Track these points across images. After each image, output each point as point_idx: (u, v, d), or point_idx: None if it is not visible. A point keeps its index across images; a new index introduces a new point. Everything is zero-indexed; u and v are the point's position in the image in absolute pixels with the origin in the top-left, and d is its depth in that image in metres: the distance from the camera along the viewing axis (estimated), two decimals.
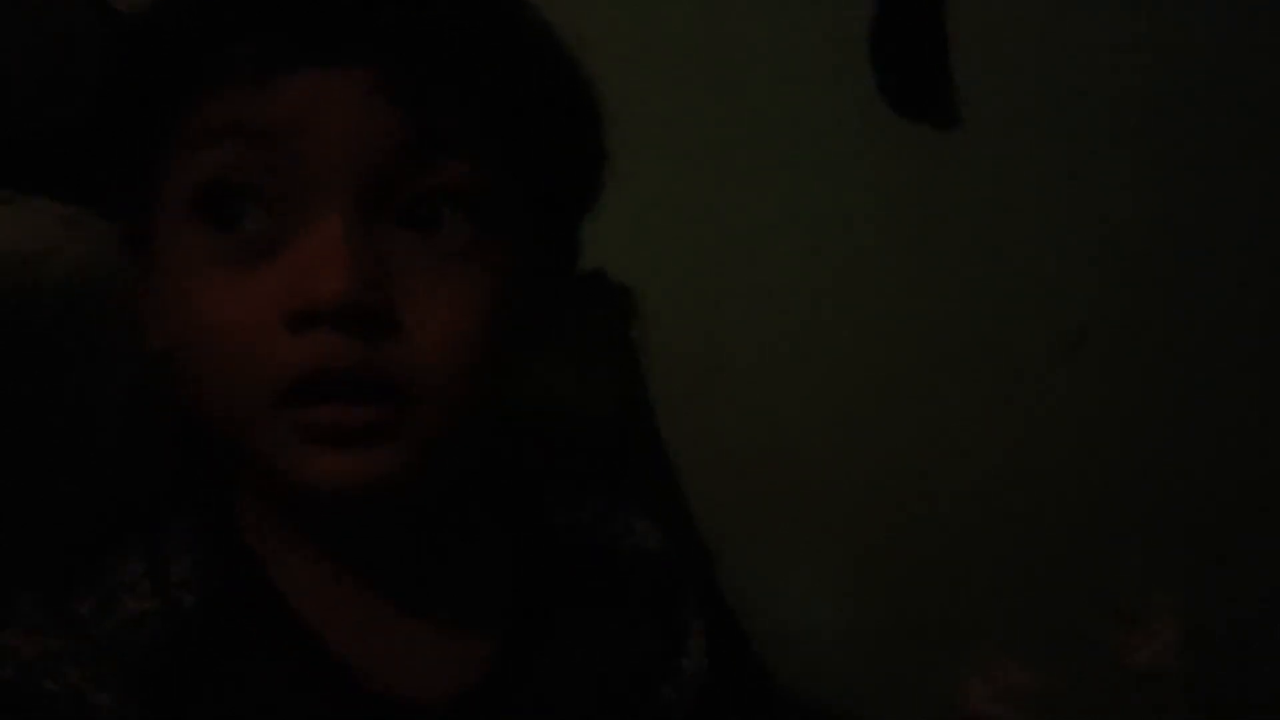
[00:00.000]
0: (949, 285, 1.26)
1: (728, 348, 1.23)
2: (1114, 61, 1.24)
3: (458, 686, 0.53)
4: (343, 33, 0.47)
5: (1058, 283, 1.28)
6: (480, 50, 0.50)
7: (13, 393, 0.67)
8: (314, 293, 0.46)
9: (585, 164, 0.56)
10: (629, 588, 0.59)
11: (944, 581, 1.26)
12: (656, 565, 0.61)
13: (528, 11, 0.54)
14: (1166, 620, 1.24)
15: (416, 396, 0.48)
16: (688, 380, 1.19)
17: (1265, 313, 1.29)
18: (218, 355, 0.48)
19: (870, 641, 1.25)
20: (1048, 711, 1.18)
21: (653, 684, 0.58)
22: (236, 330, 0.47)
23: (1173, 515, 1.28)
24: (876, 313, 1.25)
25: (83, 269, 0.76)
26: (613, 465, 1.02)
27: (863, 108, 1.21)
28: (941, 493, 1.26)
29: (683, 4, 1.20)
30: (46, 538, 0.67)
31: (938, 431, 1.26)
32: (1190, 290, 1.28)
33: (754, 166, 1.22)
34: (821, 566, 1.23)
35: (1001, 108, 1.22)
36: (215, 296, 0.48)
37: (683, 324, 1.18)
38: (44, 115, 0.89)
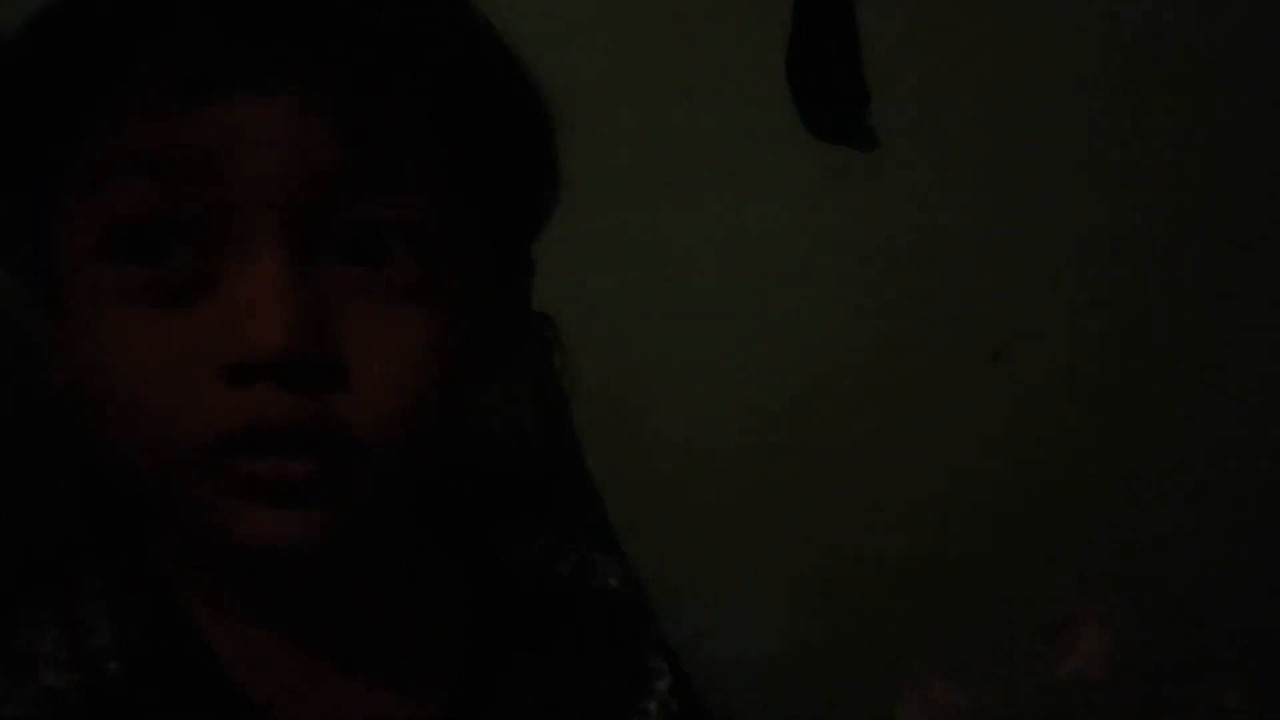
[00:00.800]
0: (872, 297, 1.26)
1: (654, 374, 1.22)
2: (1044, 68, 1.25)
3: None
4: (268, 50, 0.42)
5: (983, 298, 1.28)
6: (424, 65, 0.45)
7: None
8: (250, 344, 0.41)
9: (539, 181, 0.51)
10: (587, 628, 0.55)
11: (875, 602, 1.25)
12: (616, 603, 0.57)
13: (473, 19, 0.49)
14: (1094, 630, 1.25)
15: (357, 447, 0.44)
16: (613, 410, 1.18)
17: (1195, 326, 1.31)
18: (142, 403, 0.43)
19: (804, 666, 1.24)
20: None
21: None
22: (163, 377, 0.43)
23: (1098, 528, 1.29)
24: (799, 329, 1.25)
25: None
26: (539, 497, 1.01)
27: (792, 121, 1.21)
28: (869, 514, 1.26)
29: (610, 29, 1.19)
30: None
31: (864, 457, 1.26)
32: (1119, 304, 1.30)
33: (676, 187, 1.22)
34: (752, 593, 1.23)
35: (933, 122, 1.23)
36: (137, 339, 0.43)
37: (606, 352, 1.17)
38: None
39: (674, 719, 0.55)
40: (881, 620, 1.25)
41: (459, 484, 0.56)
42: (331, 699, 0.48)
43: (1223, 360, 1.30)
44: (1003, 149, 1.26)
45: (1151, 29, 1.26)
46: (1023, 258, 1.27)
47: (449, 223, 0.45)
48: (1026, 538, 1.28)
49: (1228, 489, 1.28)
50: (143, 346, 0.43)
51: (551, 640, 0.54)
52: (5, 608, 0.48)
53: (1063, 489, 1.28)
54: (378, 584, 0.50)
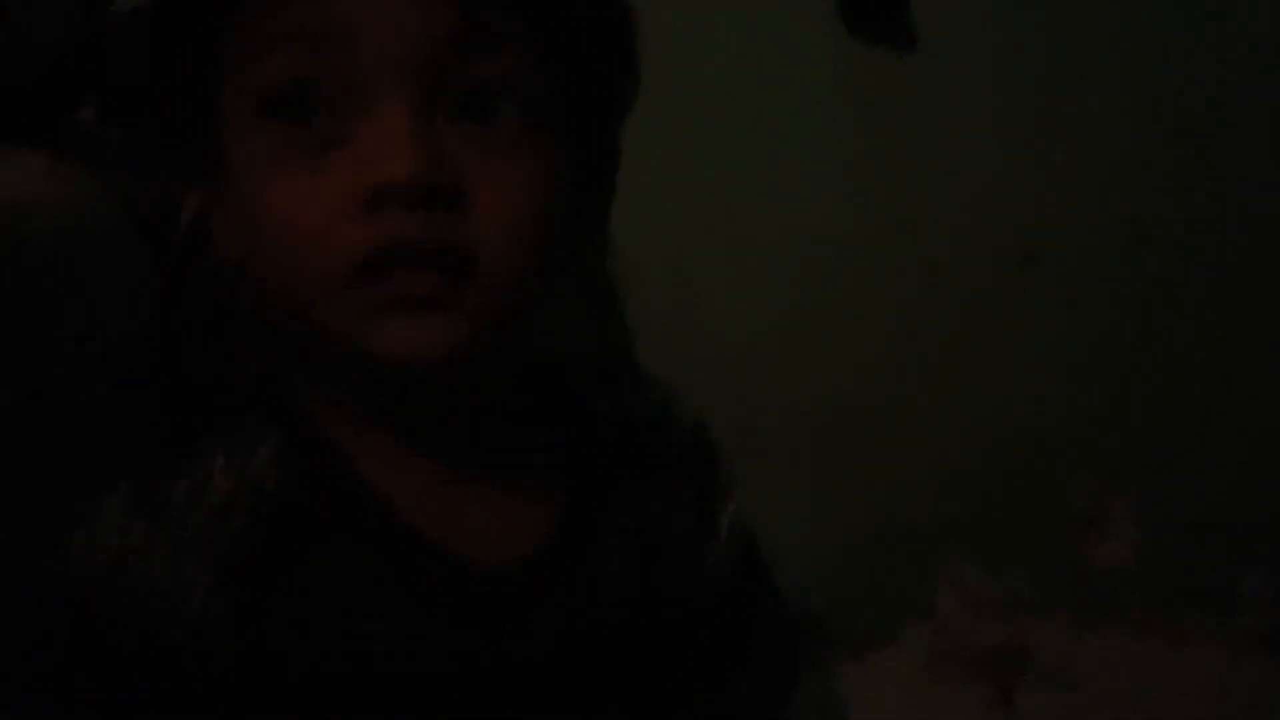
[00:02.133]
0: (907, 206, 1.28)
1: (697, 271, 1.25)
2: None
3: (522, 552, 0.56)
4: None
5: (1016, 198, 1.30)
6: None
7: (9, 339, 0.68)
8: (384, 174, 0.49)
9: (620, 67, 0.59)
10: (670, 459, 0.63)
11: (911, 492, 1.29)
12: (690, 438, 0.64)
13: None
14: (1125, 522, 1.29)
15: (480, 268, 0.51)
16: (659, 312, 1.21)
17: (1223, 224, 1.32)
18: (292, 242, 0.50)
19: (841, 557, 1.28)
20: (1013, 613, 1.23)
21: (692, 549, 0.62)
22: (310, 217, 0.50)
23: (1130, 422, 1.31)
24: (843, 229, 1.27)
25: (67, 217, 0.77)
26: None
27: (826, 33, 1.23)
28: (908, 405, 1.29)
29: None
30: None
31: (904, 346, 1.29)
32: (1150, 202, 1.31)
33: (713, 92, 1.24)
34: (791, 486, 1.26)
35: (963, 28, 1.24)
36: (288, 189, 0.51)
37: (654, 254, 1.20)
38: (7, 67, 0.89)
39: (739, 539, 0.63)
40: (917, 513, 1.29)
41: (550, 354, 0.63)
42: (458, 512, 0.56)
43: (1254, 253, 1.32)
44: (1035, 54, 1.27)
45: None
46: (1052, 160, 1.28)
47: (545, 86, 0.53)
48: (1059, 431, 1.31)
49: (1260, 382, 1.30)
50: (292, 193, 0.51)
51: (638, 472, 0.61)
52: (184, 441, 0.55)
53: (1096, 383, 1.31)
54: (496, 414, 0.58)
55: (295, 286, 0.51)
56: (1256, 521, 1.29)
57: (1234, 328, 1.32)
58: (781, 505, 1.26)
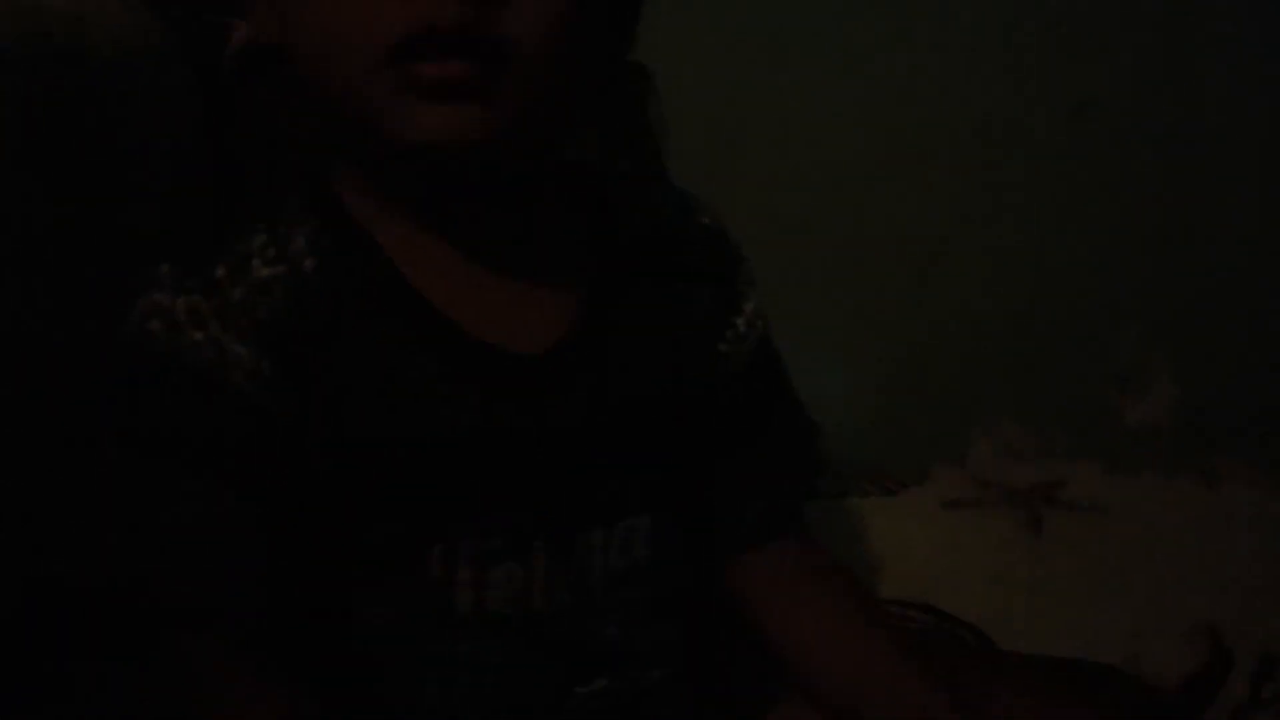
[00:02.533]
0: (956, 57, 1.26)
1: (739, 123, 1.24)
2: None
3: (550, 339, 0.58)
4: None
5: (1061, 55, 1.28)
6: None
7: (70, 146, 0.70)
8: None
9: None
10: (690, 255, 0.64)
11: (952, 345, 1.30)
12: (710, 236, 0.66)
13: None
14: (1163, 380, 1.29)
15: (514, 58, 0.51)
16: (701, 155, 1.21)
17: (1269, 87, 1.30)
18: (335, 20, 0.51)
19: (880, 409, 1.30)
20: (1045, 460, 1.24)
21: (711, 339, 0.64)
22: None
23: (1170, 281, 1.31)
24: (886, 86, 1.26)
25: (123, 33, 0.78)
26: None
27: None
28: (948, 262, 1.29)
29: None
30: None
31: (944, 202, 1.28)
32: (1195, 64, 1.29)
33: None
34: (833, 338, 1.27)
35: None
36: None
37: (696, 100, 1.20)
38: None
39: (757, 338, 0.64)
40: (955, 367, 1.30)
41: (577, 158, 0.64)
42: (487, 299, 0.58)
43: None
44: None
45: None
46: (1106, 9, 1.26)
47: None
48: (1099, 290, 1.31)
49: None
50: None
51: (661, 263, 0.63)
52: (226, 222, 0.58)
53: (1136, 241, 1.30)
54: (524, 207, 0.59)
55: (333, 65, 0.52)
56: None
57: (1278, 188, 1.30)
58: (818, 355, 1.27)
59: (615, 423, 0.59)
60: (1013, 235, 1.30)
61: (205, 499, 0.54)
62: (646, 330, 0.61)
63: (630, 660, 0.60)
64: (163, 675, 0.58)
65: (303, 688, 0.57)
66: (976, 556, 0.94)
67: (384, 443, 0.55)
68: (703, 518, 0.64)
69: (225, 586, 0.55)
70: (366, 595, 0.56)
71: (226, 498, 0.54)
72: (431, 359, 0.56)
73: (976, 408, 1.29)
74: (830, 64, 1.25)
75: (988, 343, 1.30)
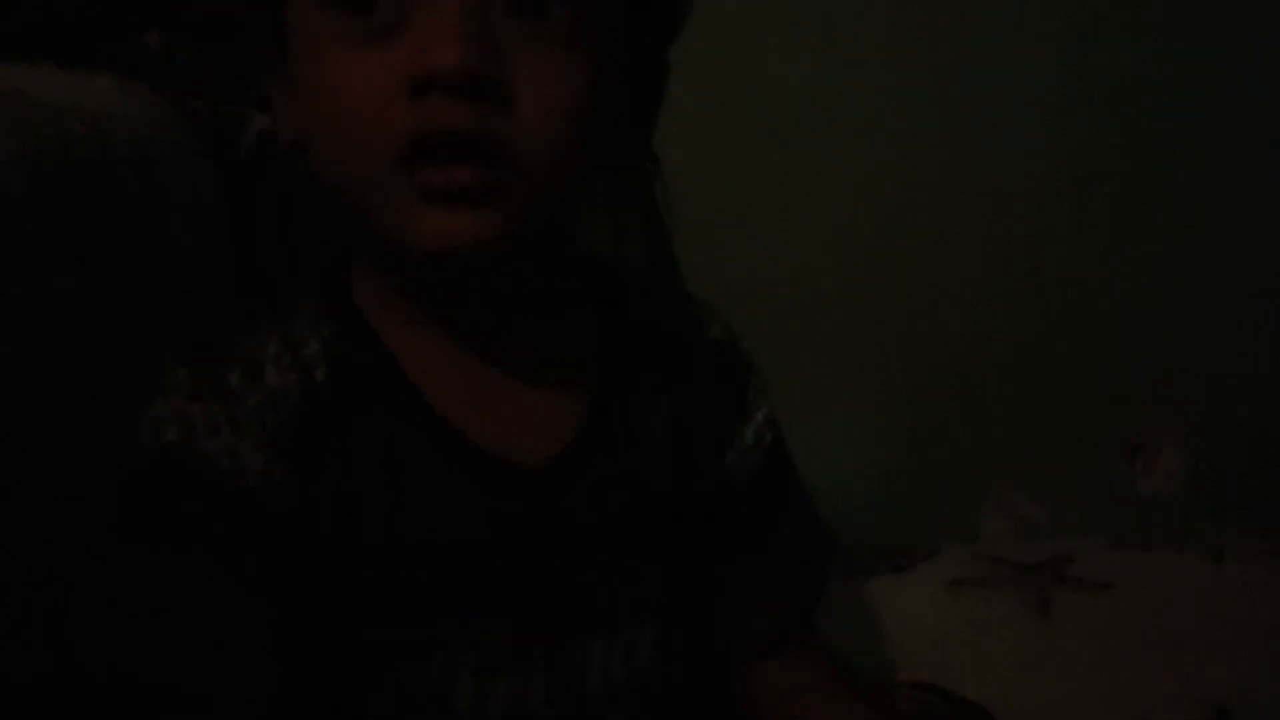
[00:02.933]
0: (960, 131, 1.28)
1: (744, 201, 1.26)
2: None
3: (556, 447, 0.59)
4: None
5: (1064, 127, 1.30)
6: None
7: (93, 233, 0.72)
8: (434, 60, 0.51)
9: None
10: (700, 365, 0.65)
11: (960, 419, 1.30)
12: (720, 348, 0.66)
13: None
14: (1172, 450, 1.29)
15: (520, 162, 0.52)
16: (709, 237, 1.23)
17: (1264, 153, 1.31)
18: (346, 122, 0.52)
19: (890, 482, 1.30)
20: (1059, 539, 1.24)
21: (719, 449, 0.64)
22: (362, 98, 0.52)
23: (1178, 349, 1.31)
24: (891, 159, 1.27)
25: (144, 129, 0.80)
26: None
27: None
28: (956, 333, 1.30)
29: None
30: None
31: (950, 274, 1.29)
32: (1193, 130, 1.30)
33: (774, 26, 1.24)
34: (840, 411, 1.28)
35: None
36: (345, 71, 0.52)
37: (702, 181, 1.21)
38: None
39: (765, 450, 0.64)
40: (965, 438, 1.30)
41: (589, 258, 0.65)
42: (495, 407, 0.58)
43: None
44: None
45: None
46: (1105, 86, 1.28)
47: None
48: (1108, 358, 1.31)
49: None
50: (350, 77, 0.52)
51: (669, 373, 0.63)
52: (241, 327, 0.59)
53: (1144, 310, 1.31)
54: (532, 312, 0.60)
55: (345, 167, 0.53)
56: None
57: None
58: (829, 429, 1.28)
59: (619, 532, 0.60)
60: (1020, 308, 1.30)
61: (213, 597, 0.55)
62: (652, 439, 0.61)
63: None
64: None
65: None
66: (984, 636, 0.94)
67: (390, 547, 0.56)
68: (708, 627, 0.64)
69: (231, 680, 0.55)
70: (369, 695, 0.57)
71: (235, 597, 0.55)
72: (439, 467, 0.57)
73: (987, 480, 1.30)
74: (834, 137, 1.27)
75: (997, 415, 1.30)
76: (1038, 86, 1.28)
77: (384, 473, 0.56)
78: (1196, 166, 1.29)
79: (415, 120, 0.51)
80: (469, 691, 0.57)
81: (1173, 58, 1.28)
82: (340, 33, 0.53)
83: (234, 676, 0.55)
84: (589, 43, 0.54)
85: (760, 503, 0.66)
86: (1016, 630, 0.93)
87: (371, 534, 0.56)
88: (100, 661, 0.57)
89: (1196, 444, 1.29)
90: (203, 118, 0.95)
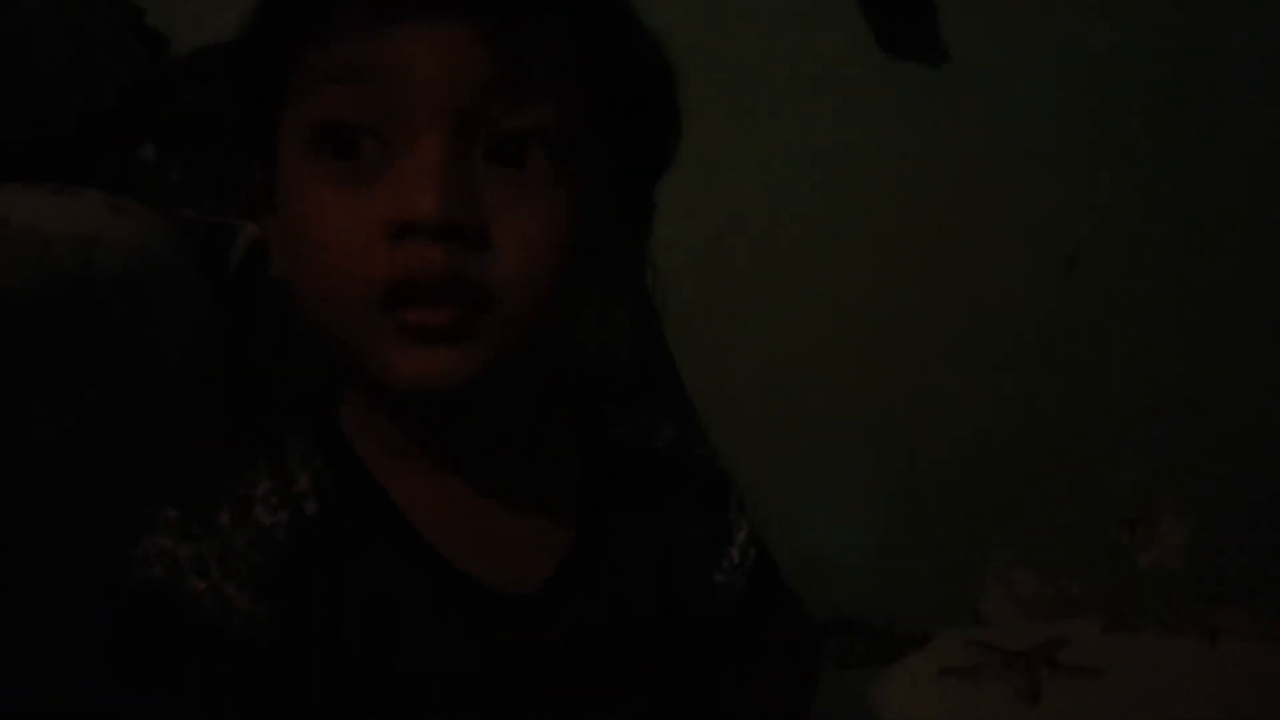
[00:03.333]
0: (948, 210, 1.29)
1: (737, 286, 1.27)
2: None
3: (543, 573, 0.59)
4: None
5: (1052, 207, 1.31)
6: (563, 10, 0.56)
7: (78, 365, 0.73)
8: (412, 207, 0.52)
9: (658, 126, 0.61)
10: (683, 487, 0.65)
11: (957, 496, 1.30)
12: (702, 467, 0.66)
13: None
14: (1172, 520, 1.29)
15: (497, 302, 0.53)
16: (700, 317, 1.24)
17: (1258, 227, 1.31)
18: (329, 263, 0.54)
19: (891, 562, 1.30)
20: (1061, 614, 1.24)
21: (705, 568, 0.64)
22: (345, 241, 0.53)
23: (1175, 421, 1.32)
24: (879, 243, 1.29)
25: (131, 248, 0.82)
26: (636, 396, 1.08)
27: (859, 46, 1.24)
28: (951, 410, 1.30)
29: None
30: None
31: (944, 351, 1.30)
32: (1186, 210, 1.31)
33: (752, 114, 1.26)
34: (839, 490, 1.28)
35: (997, 42, 1.25)
36: (328, 214, 0.54)
37: (694, 268, 1.23)
38: (74, 110, 0.95)
39: (750, 567, 0.64)
40: (965, 515, 1.30)
41: (571, 376, 0.66)
42: (482, 536, 0.59)
43: None
44: (1070, 61, 1.28)
45: None
46: (1093, 164, 1.29)
47: (581, 135, 0.55)
48: (1105, 432, 1.31)
49: None
50: (333, 220, 0.54)
51: (652, 496, 0.64)
52: (231, 465, 0.59)
53: (1140, 383, 1.31)
54: (517, 441, 0.60)
55: (328, 307, 0.54)
56: None
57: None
58: (827, 509, 1.29)
59: (606, 655, 0.60)
60: (1012, 385, 1.31)
61: None
62: (638, 563, 0.62)
63: None
64: None
65: None
66: None
67: (379, 679, 0.56)
68: None
69: None
70: None
71: None
72: (429, 597, 0.57)
73: (984, 558, 1.29)
74: (823, 220, 1.29)
75: (994, 493, 1.31)
76: (1022, 168, 1.30)
77: (374, 605, 0.57)
78: (1185, 241, 1.30)
79: (394, 264, 0.52)
80: None
81: (1157, 135, 1.30)
82: (324, 175, 0.54)
83: None
84: (571, 186, 0.55)
85: (747, 618, 0.66)
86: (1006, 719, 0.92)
87: (361, 666, 0.56)
88: None
89: (1194, 516, 1.29)
90: (194, 229, 0.98)
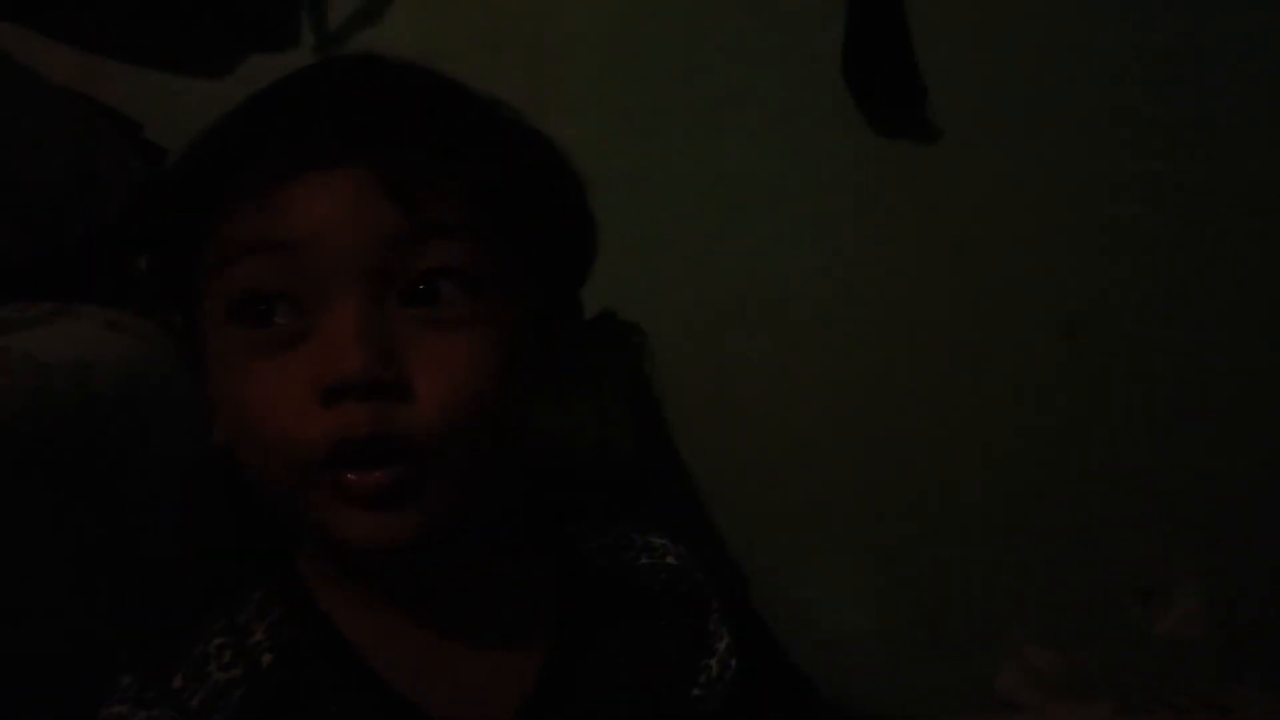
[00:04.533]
0: (946, 283, 1.29)
1: (735, 366, 1.27)
2: (1105, 52, 1.27)
3: (514, 705, 0.59)
4: (332, 144, 0.55)
5: (1055, 272, 1.31)
6: (459, 144, 0.57)
7: (76, 495, 0.74)
8: (338, 371, 0.53)
9: (573, 234, 0.63)
10: (657, 600, 0.65)
11: (968, 572, 1.29)
12: (677, 577, 0.67)
13: (500, 106, 0.62)
14: (1188, 589, 1.27)
15: (433, 454, 0.54)
16: (700, 405, 1.24)
17: (1267, 290, 1.31)
18: (264, 433, 0.55)
19: (900, 638, 1.29)
20: (1079, 690, 1.22)
21: (682, 685, 0.64)
22: (276, 410, 0.54)
23: (1187, 489, 1.30)
24: (877, 317, 1.29)
25: (128, 369, 0.83)
26: (636, 495, 1.08)
27: (848, 113, 1.25)
28: (957, 485, 1.30)
29: (663, 48, 1.25)
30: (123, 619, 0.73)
31: (948, 426, 1.29)
32: (1192, 271, 1.30)
33: (745, 190, 1.27)
34: (846, 569, 1.27)
35: (992, 103, 1.26)
36: (256, 384, 0.55)
37: (690, 351, 1.23)
38: (76, 227, 0.96)
39: (733, 676, 0.64)
40: (975, 590, 1.29)
41: (547, 486, 0.66)
42: (448, 674, 0.59)
43: None
44: (1066, 130, 1.29)
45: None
46: (1093, 229, 1.29)
47: (494, 266, 0.56)
48: (1116, 501, 1.30)
49: None
50: (262, 390, 0.55)
51: (626, 613, 0.64)
52: (187, 622, 0.60)
53: (1151, 450, 1.30)
54: (479, 573, 0.61)
55: (270, 475, 0.55)
56: None
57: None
58: (835, 590, 1.28)
59: None
60: (1018, 455, 1.30)
61: None
62: (614, 683, 0.62)
63: None
64: None
65: None
66: None
67: None
68: None
69: None
70: None
71: None
72: None
73: (997, 633, 1.28)
74: (818, 294, 1.29)
75: (1005, 567, 1.29)
76: (1022, 230, 1.30)
77: None
78: (1188, 305, 1.29)
79: (326, 429, 0.53)
80: None
81: (1154, 193, 1.30)
82: (249, 343, 0.55)
83: None
84: (487, 315, 0.56)
85: (748, 705, 0.66)
86: None
87: None
88: None
89: (1209, 584, 1.28)
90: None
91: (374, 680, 0.58)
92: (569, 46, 1.23)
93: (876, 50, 1.21)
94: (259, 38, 1.17)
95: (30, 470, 0.71)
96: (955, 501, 1.30)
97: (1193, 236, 1.30)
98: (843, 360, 1.29)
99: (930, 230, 1.29)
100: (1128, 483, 1.31)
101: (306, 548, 0.61)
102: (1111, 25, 1.26)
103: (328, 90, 0.57)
